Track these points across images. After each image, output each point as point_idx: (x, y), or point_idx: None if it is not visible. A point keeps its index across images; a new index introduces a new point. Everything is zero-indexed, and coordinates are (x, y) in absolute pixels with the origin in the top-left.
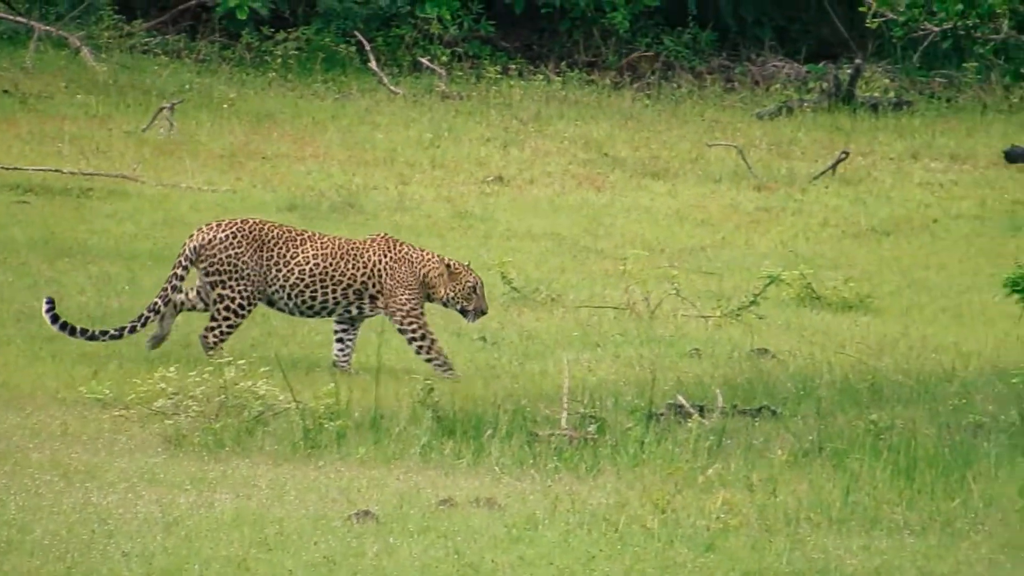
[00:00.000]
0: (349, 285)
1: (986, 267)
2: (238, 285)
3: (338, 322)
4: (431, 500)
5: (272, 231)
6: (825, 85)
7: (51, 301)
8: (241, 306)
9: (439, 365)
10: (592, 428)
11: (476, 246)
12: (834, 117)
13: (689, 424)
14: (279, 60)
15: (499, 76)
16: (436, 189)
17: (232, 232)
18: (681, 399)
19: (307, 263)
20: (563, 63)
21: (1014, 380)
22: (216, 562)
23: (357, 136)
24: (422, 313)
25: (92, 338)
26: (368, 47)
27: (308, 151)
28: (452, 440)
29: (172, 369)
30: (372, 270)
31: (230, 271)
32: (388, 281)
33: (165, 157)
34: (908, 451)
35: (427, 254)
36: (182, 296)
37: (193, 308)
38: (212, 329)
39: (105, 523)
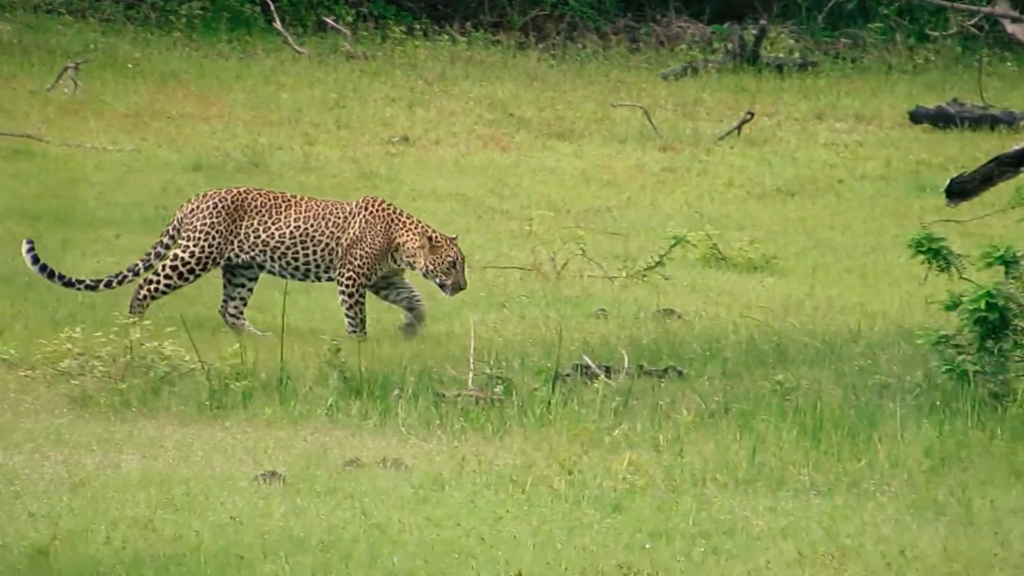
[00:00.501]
0: (327, 245)
1: (891, 227)
2: (198, 251)
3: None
4: (338, 461)
5: (256, 199)
6: (730, 46)
7: (31, 243)
8: (190, 270)
9: (352, 322)
10: (499, 389)
11: None
12: (739, 78)
13: (595, 385)
14: (184, 20)
15: (404, 36)
16: (341, 149)
17: (215, 202)
18: (587, 360)
19: (288, 226)
20: (468, 23)
21: (919, 341)
22: (123, 523)
23: (262, 96)
24: (367, 279)
25: (69, 284)
26: (273, 7)
27: (213, 111)
28: (359, 401)
29: (78, 329)
30: (361, 234)
31: (197, 237)
32: (355, 233)
33: (70, 117)
34: (814, 412)
35: (410, 221)
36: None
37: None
38: (150, 282)
39: (11, 484)
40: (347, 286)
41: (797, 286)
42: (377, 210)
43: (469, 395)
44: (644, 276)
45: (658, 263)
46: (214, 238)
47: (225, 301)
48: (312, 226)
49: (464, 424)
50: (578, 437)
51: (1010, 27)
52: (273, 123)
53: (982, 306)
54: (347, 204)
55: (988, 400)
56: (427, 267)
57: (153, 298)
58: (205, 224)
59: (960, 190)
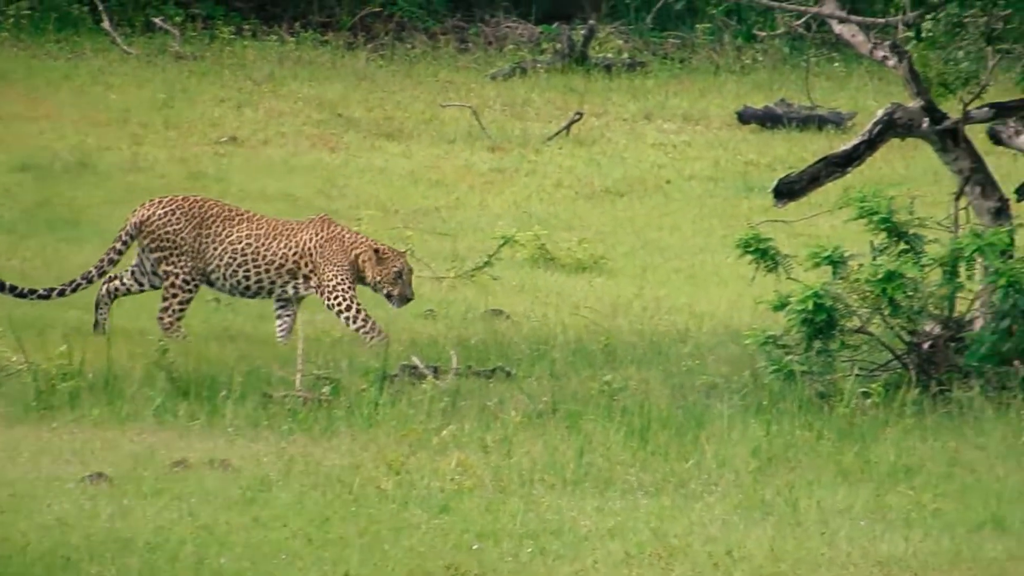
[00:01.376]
0: (281, 265)
1: (719, 228)
2: (180, 260)
3: (277, 300)
4: (165, 461)
5: (212, 209)
6: (559, 46)
7: None
8: (186, 281)
9: (367, 332)
10: (326, 389)
11: None
12: (568, 78)
13: (423, 385)
14: (11, 20)
15: (233, 37)
16: (170, 150)
17: (171, 208)
18: (416, 360)
19: (240, 242)
20: (297, 23)
21: (747, 341)
22: None
23: (90, 96)
24: (350, 287)
25: (21, 295)
26: (101, 7)
27: (41, 111)
28: (186, 401)
29: None
30: (303, 249)
31: (170, 247)
32: (318, 259)
33: None
34: (642, 412)
35: (359, 237)
36: (116, 283)
37: (128, 292)
38: (165, 309)
39: None
40: (339, 306)
41: (625, 286)
42: (328, 233)
43: (297, 396)
44: (472, 276)
45: (486, 263)
46: (186, 243)
47: (117, 289)
48: (263, 244)
49: (292, 425)
50: (406, 438)
51: (837, 28)
52: (101, 123)
53: (809, 307)
54: (292, 222)
55: (815, 400)
56: (374, 279)
57: (177, 320)
58: (170, 232)
59: (787, 190)
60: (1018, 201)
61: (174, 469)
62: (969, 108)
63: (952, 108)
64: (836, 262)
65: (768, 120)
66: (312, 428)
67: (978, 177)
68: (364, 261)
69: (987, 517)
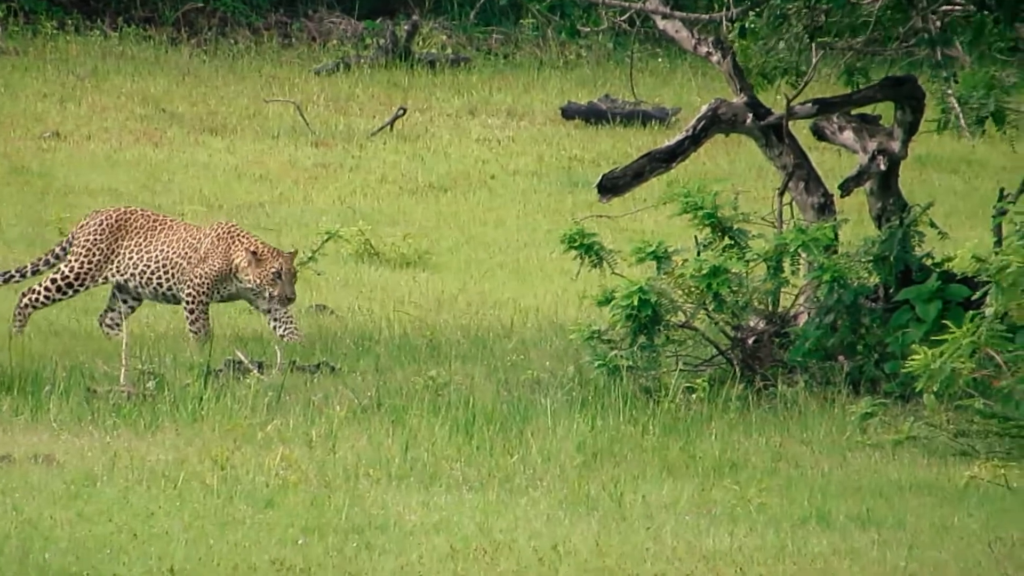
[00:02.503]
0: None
1: (543, 223)
2: (79, 266)
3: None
4: None
5: (136, 219)
6: (382, 41)
7: None
8: (69, 284)
9: (196, 333)
10: (151, 384)
11: (33, 202)
12: (392, 73)
13: (248, 380)
14: None
15: (56, 31)
16: None
17: (101, 219)
18: (240, 355)
19: (156, 250)
20: (119, 18)
21: (571, 336)
22: None
23: None
24: (208, 292)
25: None
26: None
27: None
28: (10, 396)
29: None
30: (205, 255)
31: (80, 251)
32: (201, 254)
33: None
34: (467, 407)
35: (245, 239)
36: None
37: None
38: (32, 291)
39: None
40: (191, 304)
41: (450, 282)
42: (222, 232)
43: (121, 390)
44: (297, 272)
45: (311, 259)
46: (94, 256)
47: (105, 311)
48: (173, 251)
49: (116, 420)
50: (231, 433)
51: (661, 23)
52: None
53: (634, 302)
54: (198, 229)
55: (640, 395)
56: (253, 280)
57: (33, 308)
58: (88, 238)
59: (612, 186)
60: (842, 197)
61: None
62: (793, 104)
63: (776, 104)
64: (660, 257)
65: (592, 116)
66: (137, 423)
67: (802, 173)
68: (244, 264)
69: (811, 512)
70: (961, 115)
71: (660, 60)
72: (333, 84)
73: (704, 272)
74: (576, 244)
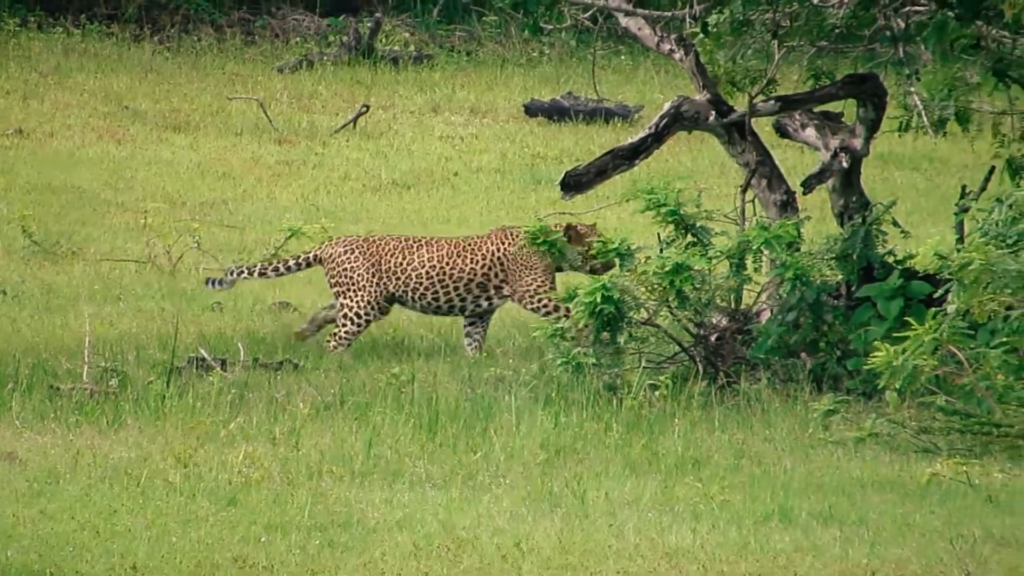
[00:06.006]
0: (471, 280)
1: (507, 220)
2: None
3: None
4: None
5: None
6: (345, 39)
7: None
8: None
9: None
10: (114, 382)
11: None
12: (355, 71)
13: (211, 378)
14: None
15: (18, 28)
16: None
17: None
18: (203, 353)
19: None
20: (82, 15)
21: (535, 333)
22: None
23: None
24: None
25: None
26: None
27: None
28: None
29: None
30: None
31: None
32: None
33: None
34: (430, 404)
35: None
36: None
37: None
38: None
39: None
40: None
41: None
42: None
43: (84, 388)
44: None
45: (274, 255)
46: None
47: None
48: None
49: (79, 417)
50: (194, 430)
51: (624, 21)
52: None
53: (598, 299)
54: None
55: (603, 392)
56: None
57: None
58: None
59: (575, 183)
60: (804, 194)
61: None
62: (755, 101)
63: (739, 102)
64: (624, 255)
65: (555, 113)
66: (99, 421)
67: (764, 170)
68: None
69: (774, 509)
70: (924, 113)
71: (623, 57)
72: (296, 81)
73: (667, 269)
74: (540, 241)
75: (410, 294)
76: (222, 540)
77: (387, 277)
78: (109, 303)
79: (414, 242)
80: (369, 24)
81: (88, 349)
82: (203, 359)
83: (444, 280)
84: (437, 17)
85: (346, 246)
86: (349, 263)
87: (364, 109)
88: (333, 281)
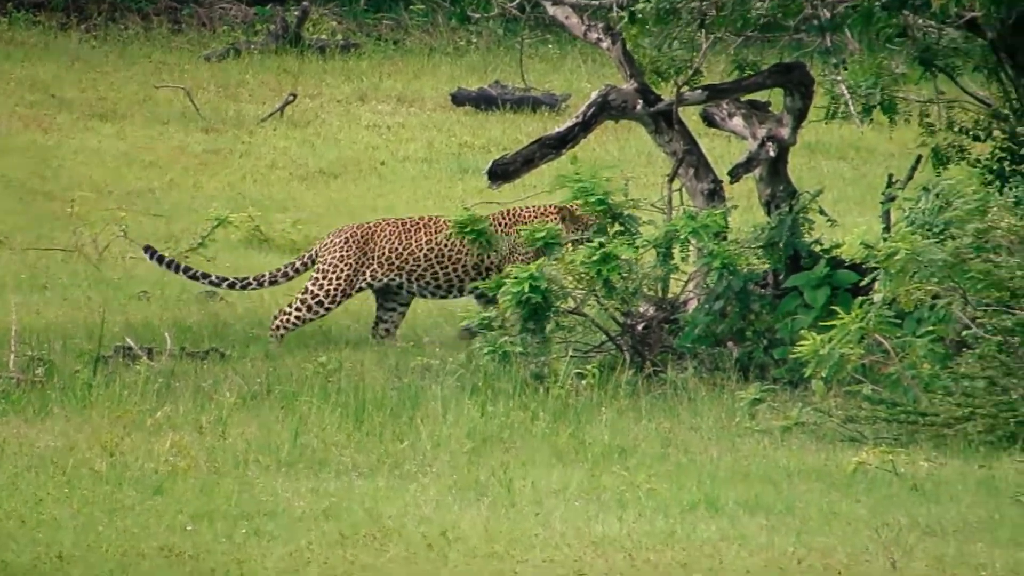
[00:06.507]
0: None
1: (434, 209)
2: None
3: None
4: None
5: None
6: (272, 27)
7: None
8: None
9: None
10: (40, 371)
11: None
12: (282, 60)
13: (138, 367)
14: None
15: None
16: None
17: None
18: (130, 342)
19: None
20: (8, 3)
21: (462, 323)
22: None
23: None
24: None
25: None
26: None
27: None
28: None
29: None
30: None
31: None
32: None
33: None
34: (357, 393)
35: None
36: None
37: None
38: (284, 314)
39: None
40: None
41: None
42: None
43: (10, 377)
44: (187, 257)
45: (200, 245)
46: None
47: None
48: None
49: (5, 406)
50: (120, 419)
51: (551, 9)
52: None
53: (526, 288)
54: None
55: (530, 381)
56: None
57: (287, 329)
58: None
59: (502, 172)
60: (731, 183)
61: None
62: (682, 90)
63: (666, 91)
64: (550, 243)
65: (482, 102)
66: (26, 409)
67: (691, 159)
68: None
69: (700, 497)
70: (851, 102)
71: (550, 46)
72: (223, 70)
73: (594, 258)
74: (467, 230)
75: (406, 277)
76: (148, 529)
77: (381, 264)
78: (35, 292)
79: (412, 225)
80: (296, 13)
81: (14, 338)
82: (130, 348)
83: (443, 263)
84: (364, 6)
85: (342, 235)
86: (341, 251)
87: (291, 98)
88: (318, 265)
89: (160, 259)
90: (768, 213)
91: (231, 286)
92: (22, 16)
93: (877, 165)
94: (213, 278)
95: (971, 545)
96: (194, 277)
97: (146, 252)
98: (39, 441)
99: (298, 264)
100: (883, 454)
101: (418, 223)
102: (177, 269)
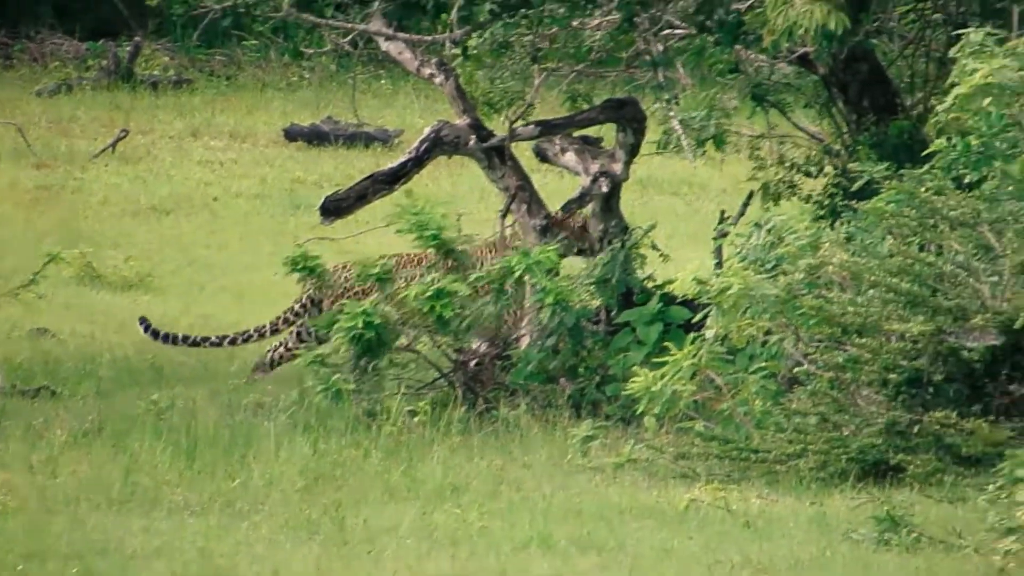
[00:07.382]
0: None
1: (267, 245)
2: None
3: None
4: None
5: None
6: (104, 63)
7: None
8: None
9: None
10: None
11: None
12: (114, 95)
13: None
14: None
15: None
16: None
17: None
18: None
19: None
20: None
21: (295, 361)
22: None
23: None
24: None
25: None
26: None
27: None
28: None
29: None
30: None
31: None
32: None
33: None
34: (189, 431)
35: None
36: None
37: None
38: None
39: None
40: None
41: (173, 304)
42: None
43: None
44: (17, 295)
45: (31, 281)
46: None
47: None
48: None
49: None
50: None
51: (384, 45)
52: None
53: (359, 324)
54: None
55: (363, 419)
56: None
57: (280, 363)
58: None
59: (335, 208)
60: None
61: None
62: (515, 126)
63: (499, 126)
64: (384, 279)
65: (315, 137)
66: None
67: (524, 195)
68: None
69: (533, 535)
70: (683, 136)
71: (383, 82)
72: (55, 105)
73: (428, 294)
74: (300, 267)
75: None
76: None
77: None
78: None
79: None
80: (128, 48)
81: None
82: None
83: None
84: (196, 42)
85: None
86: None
87: (123, 134)
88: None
89: (156, 334)
90: (600, 249)
91: (232, 342)
92: None
93: (709, 200)
94: (213, 339)
95: None
96: (195, 343)
97: (141, 324)
98: None
99: (297, 308)
100: (715, 491)
101: None
102: (175, 341)
